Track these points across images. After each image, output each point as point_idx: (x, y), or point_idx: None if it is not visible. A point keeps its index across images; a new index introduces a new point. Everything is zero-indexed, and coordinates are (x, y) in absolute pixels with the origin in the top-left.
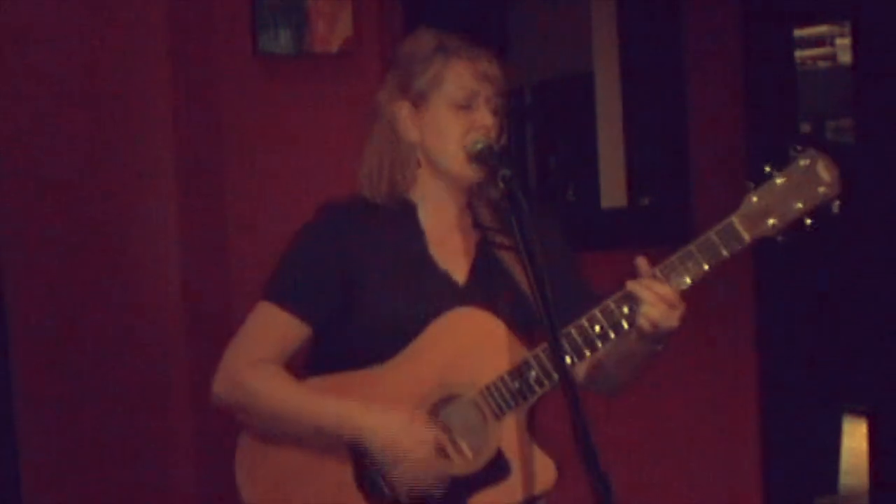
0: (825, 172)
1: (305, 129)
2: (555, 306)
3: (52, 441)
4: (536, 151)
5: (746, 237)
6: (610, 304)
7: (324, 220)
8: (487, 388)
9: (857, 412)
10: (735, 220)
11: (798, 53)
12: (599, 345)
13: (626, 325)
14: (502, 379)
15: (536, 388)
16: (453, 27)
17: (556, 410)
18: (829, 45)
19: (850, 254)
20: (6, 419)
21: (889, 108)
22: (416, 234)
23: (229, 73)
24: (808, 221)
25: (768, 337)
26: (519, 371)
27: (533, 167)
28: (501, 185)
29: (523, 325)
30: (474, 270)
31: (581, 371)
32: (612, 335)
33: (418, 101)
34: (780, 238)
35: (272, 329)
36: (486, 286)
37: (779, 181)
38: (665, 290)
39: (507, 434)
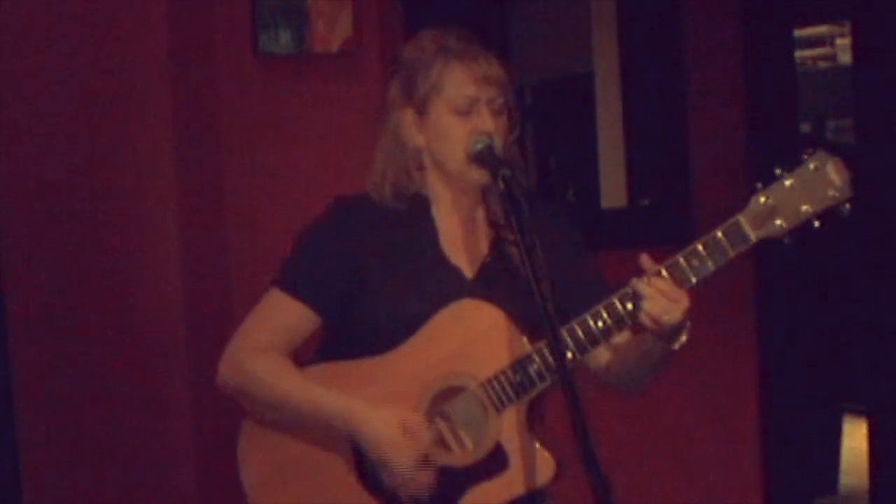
0: (835, 175)
1: (305, 129)
2: (565, 303)
3: (52, 441)
4: (536, 151)
5: (752, 237)
6: (613, 300)
7: (337, 214)
8: (489, 380)
9: (857, 412)
10: (742, 219)
11: (798, 53)
12: (602, 341)
13: (628, 322)
14: (504, 372)
15: (537, 381)
16: (450, 27)
17: (557, 410)
18: (829, 45)
19: (850, 254)
20: (6, 419)
21: (889, 108)
22: (428, 229)
23: (229, 73)
24: (817, 224)
25: (768, 337)
26: (520, 364)
27: (533, 167)
28: (501, 184)
29: (531, 321)
30: (485, 266)
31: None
32: (615, 331)
33: (421, 107)
34: (786, 240)
35: (280, 316)
36: (494, 282)
37: (787, 182)
38: (666, 285)
39: (507, 427)
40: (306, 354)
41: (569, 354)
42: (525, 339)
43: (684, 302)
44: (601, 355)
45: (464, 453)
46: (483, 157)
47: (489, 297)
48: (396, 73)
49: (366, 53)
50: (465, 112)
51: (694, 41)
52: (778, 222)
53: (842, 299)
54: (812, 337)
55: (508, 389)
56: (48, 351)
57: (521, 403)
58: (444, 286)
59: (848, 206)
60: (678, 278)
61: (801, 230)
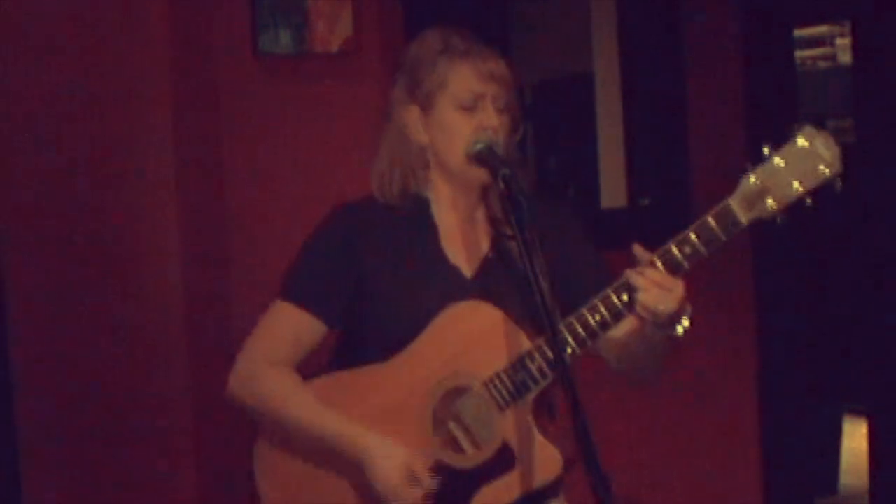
0: (825, 150)
1: (305, 129)
2: (571, 295)
3: (53, 441)
4: (536, 151)
5: (744, 220)
6: (609, 292)
7: (337, 221)
8: (491, 379)
9: (857, 412)
10: (732, 202)
11: (798, 53)
12: (601, 334)
13: (625, 313)
14: (505, 370)
15: (539, 378)
16: (454, 27)
17: (561, 409)
18: (829, 45)
19: (850, 254)
20: (6, 419)
21: (889, 108)
22: (429, 229)
23: (229, 73)
24: (809, 202)
25: (768, 337)
26: (521, 362)
27: (533, 167)
28: (501, 185)
29: (531, 318)
30: (484, 265)
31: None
32: (613, 323)
33: (426, 104)
34: (779, 220)
35: (289, 328)
36: (494, 280)
37: (776, 161)
38: (658, 275)
39: (512, 426)
40: (316, 359)
41: (569, 350)
42: (525, 337)
43: (679, 291)
44: (612, 346)
45: (474, 454)
46: (483, 157)
47: (488, 296)
48: (400, 72)
49: (366, 53)
50: (470, 108)
51: (694, 41)
52: (769, 202)
53: (842, 299)
54: (812, 336)
55: (511, 387)
56: (48, 351)
57: (525, 401)
58: (443, 286)
59: (840, 181)
60: (671, 266)
61: (794, 209)
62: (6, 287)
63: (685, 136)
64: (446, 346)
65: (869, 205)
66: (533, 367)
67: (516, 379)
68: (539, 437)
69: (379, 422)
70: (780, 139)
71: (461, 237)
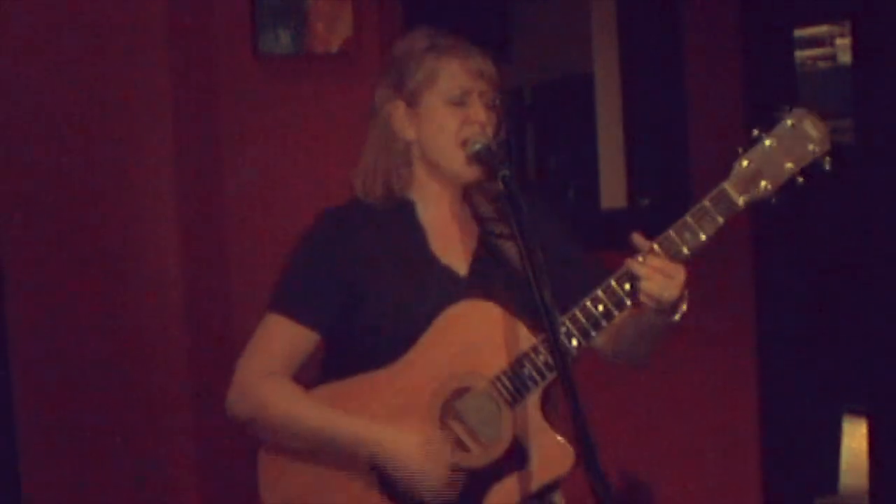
0: (813, 129)
1: (305, 130)
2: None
3: (53, 441)
4: (536, 151)
5: (740, 202)
6: (612, 282)
7: (322, 228)
8: (497, 377)
9: (857, 412)
10: (727, 186)
11: (798, 53)
12: (604, 324)
13: (628, 302)
14: (511, 367)
15: (546, 372)
16: (453, 27)
17: (563, 412)
18: (829, 45)
19: (850, 254)
20: (6, 419)
21: (889, 108)
22: (415, 231)
23: (229, 74)
24: (801, 180)
25: (768, 336)
26: (527, 357)
27: (533, 167)
28: (501, 185)
29: (528, 311)
30: (475, 262)
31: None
32: (616, 313)
33: (412, 99)
34: (773, 200)
35: (282, 340)
36: (487, 277)
37: (768, 143)
38: (660, 262)
39: (522, 422)
40: (307, 370)
41: (574, 342)
42: (527, 332)
43: (680, 276)
44: (605, 331)
45: (482, 452)
46: (482, 157)
47: (485, 293)
48: (386, 70)
49: (366, 53)
50: (459, 103)
51: (694, 41)
52: (763, 184)
53: (842, 299)
54: (812, 336)
55: (518, 384)
56: (48, 352)
57: (533, 396)
58: (438, 286)
59: (828, 159)
60: (671, 252)
61: (787, 189)
62: (6, 286)
63: (685, 137)
64: (450, 347)
65: (869, 205)
66: (540, 361)
67: (524, 374)
68: (550, 432)
69: (385, 425)
70: (772, 124)
71: (449, 236)
